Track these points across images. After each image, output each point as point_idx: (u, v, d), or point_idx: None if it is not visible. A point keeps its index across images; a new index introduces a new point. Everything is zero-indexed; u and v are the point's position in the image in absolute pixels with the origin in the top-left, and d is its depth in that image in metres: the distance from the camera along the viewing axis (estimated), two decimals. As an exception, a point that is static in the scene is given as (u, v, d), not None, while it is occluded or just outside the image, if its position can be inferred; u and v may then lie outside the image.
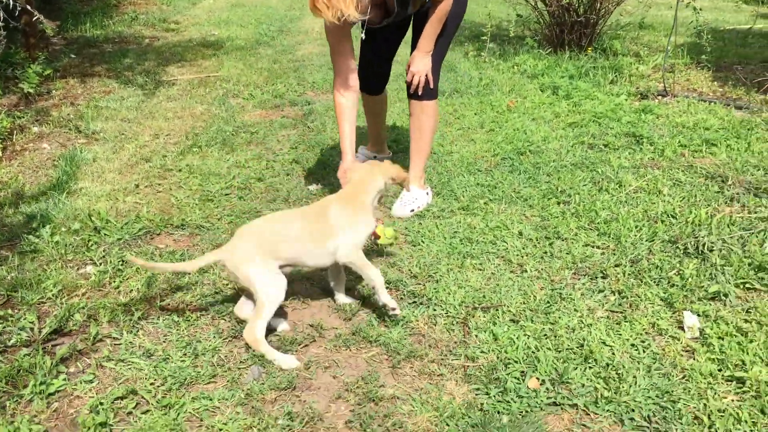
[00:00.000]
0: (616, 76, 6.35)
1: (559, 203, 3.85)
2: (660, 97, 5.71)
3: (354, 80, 3.55)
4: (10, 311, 2.84)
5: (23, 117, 5.44)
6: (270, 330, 2.71)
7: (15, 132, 5.08)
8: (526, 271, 3.16)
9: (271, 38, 9.25)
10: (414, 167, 3.92)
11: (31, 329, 2.73)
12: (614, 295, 2.93)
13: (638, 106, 5.42)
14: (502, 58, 7.40)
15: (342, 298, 3.00)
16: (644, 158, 4.39)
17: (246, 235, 2.69)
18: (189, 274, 3.12)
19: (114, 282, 3.10)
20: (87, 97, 6.14)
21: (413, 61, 3.69)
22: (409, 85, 3.77)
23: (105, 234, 3.54)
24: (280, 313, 2.81)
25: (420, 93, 3.76)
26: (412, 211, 3.81)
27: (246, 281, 2.62)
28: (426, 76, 3.69)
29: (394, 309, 2.77)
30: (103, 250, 3.37)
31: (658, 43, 8.05)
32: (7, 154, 4.74)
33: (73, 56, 7.67)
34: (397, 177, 2.98)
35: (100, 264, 3.25)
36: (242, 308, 2.77)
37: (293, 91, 6.46)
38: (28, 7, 5.07)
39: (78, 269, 3.23)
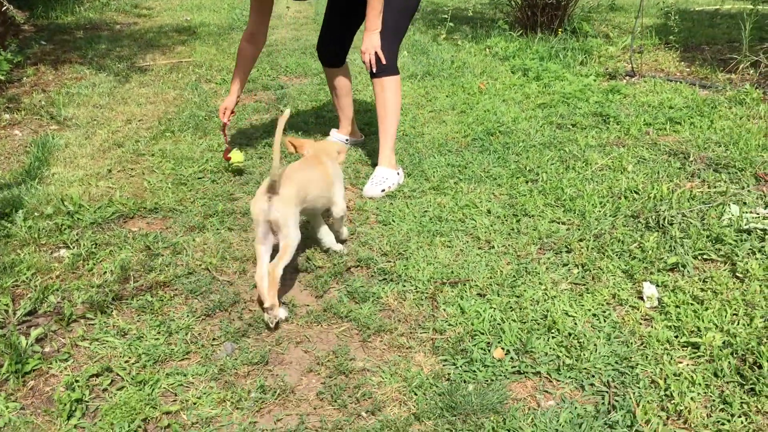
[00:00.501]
0: (585, 57, 6.45)
1: (527, 182, 3.93)
2: (628, 78, 5.81)
3: (260, 38, 4.12)
4: (-17, 295, 2.87)
5: (-7, 104, 5.41)
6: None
7: (-15, 119, 5.06)
8: (493, 247, 3.25)
9: (243, 23, 9.22)
10: (383, 147, 3.98)
11: (6, 311, 2.76)
12: (578, 268, 3.02)
13: (606, 87, 5.52)
14: (474, 40, 7.46)
15: (334, 244, 3.28)
16: (610, 137, 4.49)
17: (290, 180, 2.87)
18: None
19: (87, 264, 3.13)
20: (58, 83, 6.11)
21: (363, 40, 3.79)
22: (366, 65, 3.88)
23: (78, 218, 3.56)
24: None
25: (374, 71, 3.83)
26: (383, 191, 3.88)
27: (283, 223, 2.78)
28: (377, 53, 3.76)
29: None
30: (77, 234, 3.40)
31: (628, 25, 8.16)
32: (-23, 141, 4.72)
33: (43, 43, 7.61)
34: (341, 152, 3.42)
35: (74, 247, 3.28)
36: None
37: (266, 75, 6.47)
38: (-5, -5, 5.02)
39: (52, 253, 3.26)
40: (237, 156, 4.13)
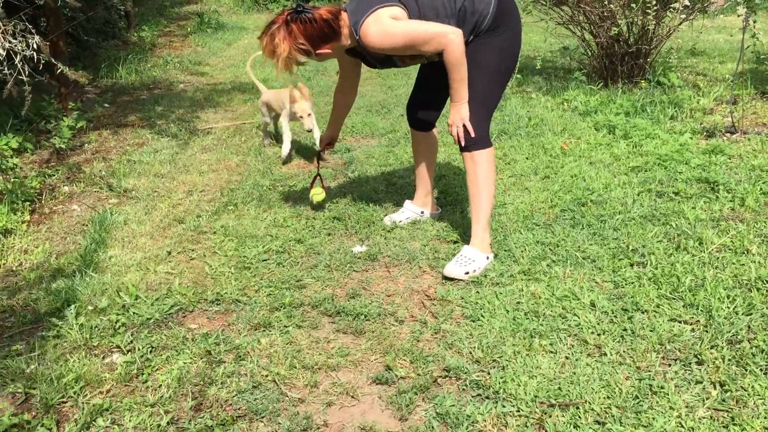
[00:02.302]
0: (675, 111, 5.93)
1: (632, 265, 3.44)
2: (728, 135, 5.26)
3: (350, 92, 4.12)
4: (26, 416, 2.54)
5: (54, 175, 5.24)
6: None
7: (45, 193, 4.87)
8: (605, 354, 2.76)
9: (307, 79, 9.04)
10: (475, 227, 3.57)
11: (49, 438, 2.43)
12: (715, 388, 2.50)
13: (706, 146, 4.99)
14: (549, 93, 7.04)
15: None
16: (723, 209, 3.96)
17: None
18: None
19: (142, 375, 2.78)
20: (120, 150, 5.94)
21: (450, 112, 3.44)
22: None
23: (134, 312, 3.24)
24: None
25: (464, 144, 3.45)
26: (467, 273, 3.45)
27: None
28: (464, 126, 3.39)
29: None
30: (131, 334, 3.07)
31: (714, 72, 7.60)
32: (35, 217, 4.52)
33: (106, 105, 7.53)
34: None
35: (128, 352, 2.95)
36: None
37: (332, 137, 6.16)
38: (52, 60, 4.87)
39: (103, 358, 2.93)
40: (317, 194, 4.26)
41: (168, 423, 2.50)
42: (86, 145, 6.11)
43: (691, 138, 5.20)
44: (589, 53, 7.35)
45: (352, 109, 7.22)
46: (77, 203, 4.77)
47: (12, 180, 4.71)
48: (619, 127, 5.55)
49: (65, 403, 2.65)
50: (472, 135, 3.42)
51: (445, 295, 3.32)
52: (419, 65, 3.87)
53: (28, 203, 4.59)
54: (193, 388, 2.69)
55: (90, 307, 3.27)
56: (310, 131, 5.06)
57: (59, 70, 4.95)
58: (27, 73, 4.43)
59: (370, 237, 4.02)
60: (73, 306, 3.24)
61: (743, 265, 3.29)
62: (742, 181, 4.28)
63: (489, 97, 3.50)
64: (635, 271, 3.38)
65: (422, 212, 4.24)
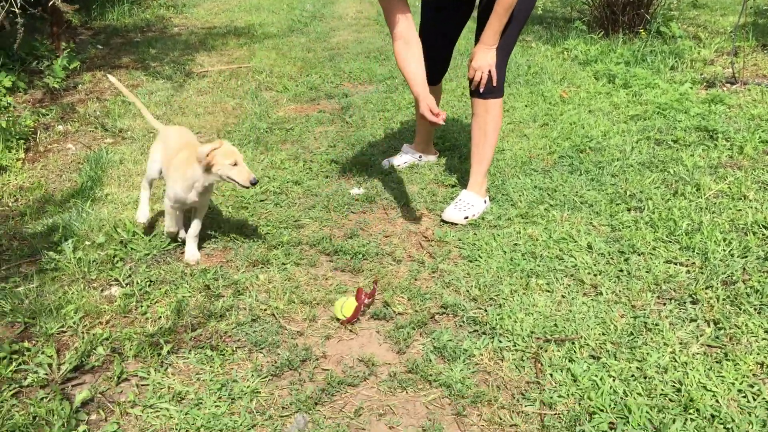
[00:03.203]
0: (676, 61, 5.88)
1: (629, 210, 3.45)
2: (729, 85, 5.23)
3: (414, 35, 3.25)
4: (26, 344, 2.55)
5: (48, 114, 5.17)
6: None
7: (39, 131, 4.82)
8: (601, 293, 2.79)
9: (304, 24, 8.90)
10: (476, 172, 3.55)
11: (50, 365, 2.44)
12: (709, 325, 2.54)
13: (706, 96, 4.97)
14: (549, 42, 6.96)
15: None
16: (721, 156, 3.96)
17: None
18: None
19: (141, 307, 2.80)
20: (114, 91, 5.85)
21: (476, 55, 3.32)
22: (471, 81, 3.40)
23: (132, 248, 3.24)
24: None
25: (482, 90, 3.39)
26: (466, 218, 3.45)
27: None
28: (489, 72, 3.31)
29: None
30: (130, 268, 3.07)
31: (716, 24, 7.52)
32: (30, 155, 4.48)
33: (99, 47, 7.40)
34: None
35: (126, 285, 2.95)
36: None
37: (329, 82, 6.11)
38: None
39: (102, 290, 2.94)
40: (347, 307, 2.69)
41: (168, 352, 2.52)
42: (80, 86, 6.02)
43: (691, 88, 5.17)
44: (590, 2, 7.25)
45: (350, 54, 7.17)
46: (72, 142, 4.72)
47: (6, 118, 4.65)
48: (619, 76, 5.50)
49: (65, 332, 2.66)
50: (494, 83, 3.37)
51: (442, 236, 3.33)
52: (431, 15, 3.72)
53: (22, 141, 4.54)
54: (192, 320, 2.71)
55: (87, 242, 3.27)
56: (255, 184, 3.02)
57: (51, 2, 4.84)
58: (19, 4, 4.33)
59: (368, 180, 4.01)
60: (70, 240, 3.23)
61: (740, 210, 3.31)
62: (741, 130, 4.28)
63: (512, 46, 3.45)
64: (632, 215, 3.39)
65: (420, 156, 4.22)
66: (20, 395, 2.33)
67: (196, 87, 6.00)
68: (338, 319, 2.67)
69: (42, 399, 2.28)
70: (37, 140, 4.71)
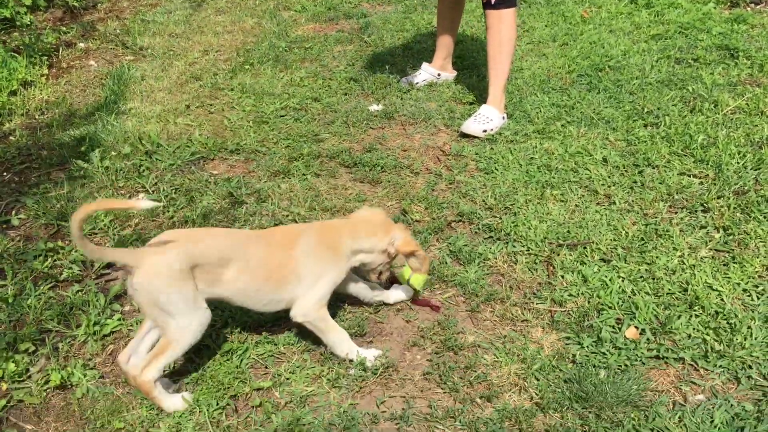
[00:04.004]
0: (701, -19, 5.75)
1: (646, 126, 3.48)
2: (753, 5, 5.14)
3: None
4: (60, 243, 2.68)
5: (69, 32, 5.20)
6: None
7: (61, 48, 4.86)
8: (614, 203, 2.85)
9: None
10: (494, 86, 3.57)
11: (83, 263, 2.57)
12: (719, 231, 2.61)
13: (729, 15, 4.89)
14: (571, -37, 6.80)
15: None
16: (741, 74, 3.94)
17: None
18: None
19: (167, 211, 2.91)
20: (133, 10, 5.86)
21: None
22: None
23: (157, 159, 3.33)
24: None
25: (494, 1, 3.39)
26: (485, 131, 3.49)
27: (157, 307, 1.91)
28: None
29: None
30: (155, 177, 3.17)
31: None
32: (53, 72, 4.54)
33: (117, -33, 7.33)
34: (402, 249, 2.18)
35: (153, 191, 3.06)
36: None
37: (348, 2, 6.04)
38: None
39: (129, 197, 3.05)
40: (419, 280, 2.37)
41: (195, 252, 2.63)
42: (99, 5, 6.02)
43: (715, 7, 5.08)
44: None
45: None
46: (94, 59, 4.77)
47: (28, 35, 4.69)
48: (641, -4, 5.41)
49: (96, 234, 2.78)
50: None
51: (459, 150, 3.38)
52: None
53: (45, 57, 4.60)
54: (217, 224, 2.81)
55: (113, 153, 3.36)
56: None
57: None
58: None
59: (387, 97, 4.04)
60: (97, 150, 3.32)
61: (756, 125, 3.32)
62: (762, 48, 4.23)
63: None
64: (649, 131, 3.41)
65: (439, 74, 4.24)
66: (56, 289, 2.46)
67: (215, 6, 5.97)
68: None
69: (78, 292, 2.41)
70: (60, 57, 4.76)
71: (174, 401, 1.96)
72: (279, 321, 2.29)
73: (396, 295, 2.36)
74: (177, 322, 1.88)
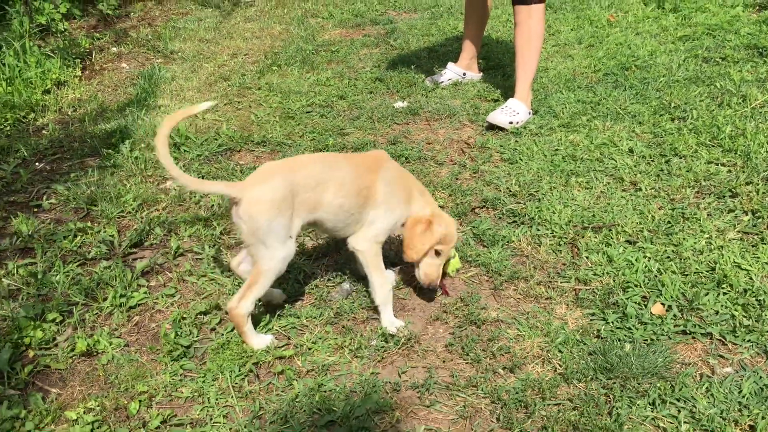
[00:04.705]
0: (729, -14, 5.72)
1: (673, 119, 3.45)
2: (783, 8, 5.10)
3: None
4: (89, 224, 2.73)
5: (102, 38, 5.34)
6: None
7: (94, 52, 4.98)
8: (640, 189, 2.83)
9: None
10: (521, 80, 3.58)
11: (111, 242, 2.61)
12: (747, 215, 2.57)
13: (758, 18, 4.85)
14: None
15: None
16: (770, 71, 3.91)
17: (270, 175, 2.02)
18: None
19: (194, 197, 2.94)
20: (164, 18, 5.99)
21: None
22: None
23: (185, 150, 3.38)
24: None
25: None
26: (511, 123, 3.49)
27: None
28: None
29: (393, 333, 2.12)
30: (183, 166, 3.22)
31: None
32: (86, 73, 4.65)
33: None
34: (443, 247, 2.20)
35: (180, 179, 3.10)
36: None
37: (374, 10, 6.13)
38: None
39: (158, 184, 3.10)
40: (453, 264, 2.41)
41: (221, 233, 2.66)
42: (132, 14, 6.17)
43: (743, 11, 5.05)
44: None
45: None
46: (126, 62, 4.88)
47: (63, 40, 4.82)
48: (669, 0, 5.40)
49: (124, 217, 2.82)
50: None
51: (484, 143, 3.38)
52: None
53: (79, 60, 4.71)
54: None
55: (143, 145, 3.42)
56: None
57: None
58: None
59: (411, 95, 4.06)
60: (127, 141, 3.39)
61: (786, 118, 3.28)
62: (792, 47, 4.19)
63: None
64: (676, 124, 3.39)
65: (464, 74, 4.26)
66: (84, 266, 2.50)
67: (244, 15, 6.09)
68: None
69: (105, 268, 2.45)
70: (93, 60, 4.88)
71: (261, 339, 2.07)
72: (300, 296, 2.30)
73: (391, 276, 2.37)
74: (270, 253, 1.97)
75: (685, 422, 1.74)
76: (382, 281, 2.15)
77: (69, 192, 2.97)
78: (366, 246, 2.14)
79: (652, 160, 3.06)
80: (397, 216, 2.18)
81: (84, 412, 1.82)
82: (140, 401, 1.87)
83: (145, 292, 2.32)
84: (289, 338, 2.12)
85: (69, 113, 3.94)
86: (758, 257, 2.31)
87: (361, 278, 2.35)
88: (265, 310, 2.23)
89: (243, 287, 2.01)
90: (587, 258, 2.42)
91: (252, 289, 1.99)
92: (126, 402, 1.87)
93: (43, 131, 3.69)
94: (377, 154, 2.26)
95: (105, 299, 2.28)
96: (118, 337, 2.14)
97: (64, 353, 2.06)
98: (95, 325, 2.20)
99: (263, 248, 1.96)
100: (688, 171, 2.92)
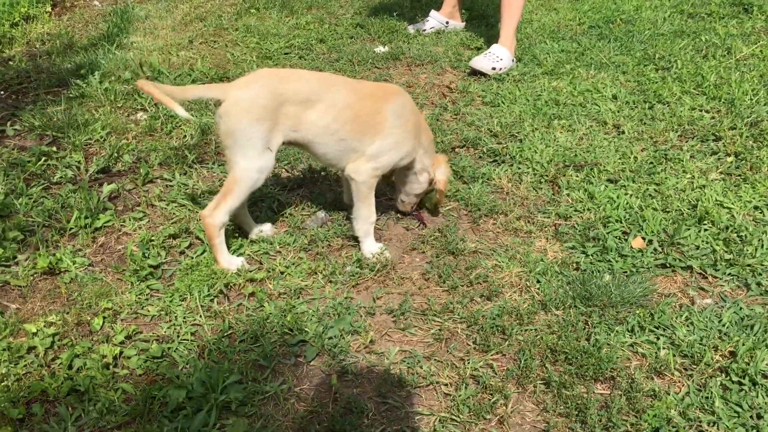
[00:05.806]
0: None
1: (657, 69, 3.41)
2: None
3: None
4: (55, 149, 2.62)
5: (73, -24, 5.13)
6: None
7: (64, -11, 4.79)
8: (623, 132, 2.79)
9: None
10: (506, 27, 3.50)
11: (77, 167, 2.51)
12: (730, 156, 2.54)
13: (744, -23, 4.81)
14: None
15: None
16: (755, 25, 3.87)
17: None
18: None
19: (166, 127, 2.84)
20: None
21: None
22: None
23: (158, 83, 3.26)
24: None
25: None
26: (494, 69, 3.41)
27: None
28: None
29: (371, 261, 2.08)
30: (152, 100, 3.10)
31: None
32: (56, 9, 4.47)
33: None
34: (440, 188, 2.20)
35: (151, 110, 2.99)
36: None
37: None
38: None
39: (128, 115, 2.99)
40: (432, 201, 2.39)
41: (192, 162, 2.57)
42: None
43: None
44: None
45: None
46: (98, 0, 4.71)
47: (32, -26, 4.63)
48: (655, -41, 5.33)
49: (92, 145, 2.72)
50: None
51: (466, 87, 3.31)
52: None
53: (48, -5, 4.54)
54: (216, 138, 2.75)
55: (113, 77, 3.30)
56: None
57: None
58: None
59: (393, 41, 3.96)
60: (97, 73, 3.26)
61: (770, 69, 3.25)
62: (778, 4, 4.16)
63: None
64: (660, 74, 3.34)
65: (447, 22, 4.16)
66: (49, 189, 2.40)
67: (222, -41, 5.89)
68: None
69: (70, 191, 2.35)
70: (63, -3, 4.70)
71: (230, 259, 2.00)
72: (274, 224, 2.23)
73: None
74: (246, 161, 1.89)
75: (663, 348, 1.71)
76: (368, 214, 2.08)
77: (34, 119, 2.85)
78: (364, 177, 2.02)
79: (636, 106, 3.01)
80: (404, 152, 2.07)
81: (45, 326, 1.74)
82: (104, 317, 1.80)
83: (112, 215, 2.23)
84: (261, 263, 2.06)
85: (37, 46, 3.79)
86: (740, 196, 2.28)
87: (339, 208, 2.28)
88: (238, 234, 2.16)
89: (217, 196, 1.93)
90: (568, 195, 2.38)
91: (226, 198, 1.91)
92: (89, 318, 1.80)
93: (10, 62, 3.54)
94: (391, 86, 2.15)
95: (68, 221, 2.19)
96: (82, 257, 2.05)
97: (24, 270, 1.97)
98: (58, 245, 2.11)
99: (240, 153, 1.88)
100: (671, 116, 2.88)
